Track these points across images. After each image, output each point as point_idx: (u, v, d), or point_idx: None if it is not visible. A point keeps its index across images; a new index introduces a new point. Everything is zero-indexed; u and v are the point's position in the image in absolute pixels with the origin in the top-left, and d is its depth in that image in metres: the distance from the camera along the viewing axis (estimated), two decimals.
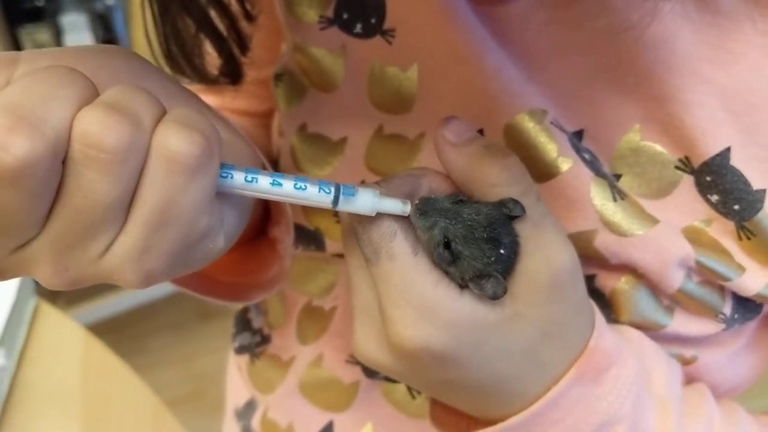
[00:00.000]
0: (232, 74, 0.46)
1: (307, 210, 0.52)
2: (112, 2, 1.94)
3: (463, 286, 0.35)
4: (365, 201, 0.33)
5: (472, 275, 0.34)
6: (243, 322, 0.64)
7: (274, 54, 0.54)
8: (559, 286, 0.35)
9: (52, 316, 0.80)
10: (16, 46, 1.97)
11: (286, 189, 0.32)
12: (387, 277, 0.34)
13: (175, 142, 0.28)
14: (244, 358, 0.63)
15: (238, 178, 0.31)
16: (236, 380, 0.66)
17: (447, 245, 0.34)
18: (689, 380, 0.48)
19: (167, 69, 0.43)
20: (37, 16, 1.92)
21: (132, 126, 0.27)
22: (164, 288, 2.10)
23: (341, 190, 0.33)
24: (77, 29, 1.90)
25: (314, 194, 0.33)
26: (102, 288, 2.02)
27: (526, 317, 0.35)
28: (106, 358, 0.76)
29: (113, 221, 0.29)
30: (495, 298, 0.34)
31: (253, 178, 0.32)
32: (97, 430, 0.70)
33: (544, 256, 0.35)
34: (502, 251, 0.34)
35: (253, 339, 0.62)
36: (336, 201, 0.33)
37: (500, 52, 0.42)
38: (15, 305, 0.75)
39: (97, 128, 0.27)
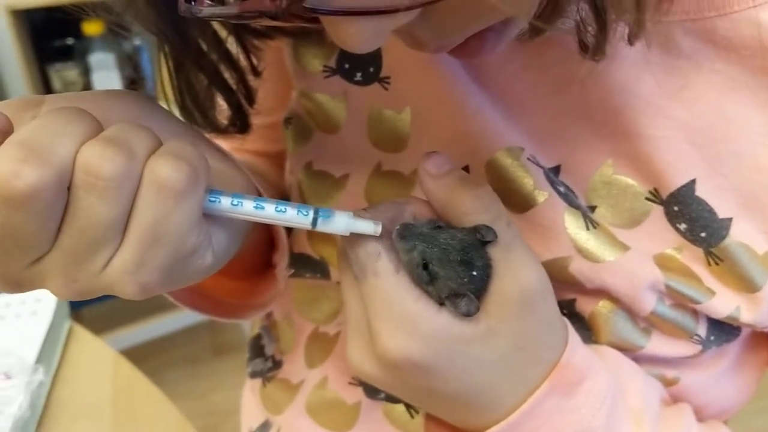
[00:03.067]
0: (240, 124, 0.50)
1: (313, 239, 0.56)
2: (139, 42, 1.99)
3: (440, 303, 0.38)
4: (340, 222, 0.37)
5: (448, 294, 0.37)
6: (256, 349, 0.68)
7: (283, 101, 0.59)
8: (528, 303, 0.38)
9: (84, 338, 0.84)
10: (46, 83, 2.03)
11: (268, 212, 0.36)
12: (372, 293, 0.38)
13: (164, 170, 0.32)
14: (257, 382, 0.66)
15: (225, 202, 0.35)
16: (251, 403, 0.69)
17: (425, 266, 0.37)
18: (675, 401, 0.50)
19: (181, 118, 0.48)
20: (66, 54, 1.98)
21: (126, 157, 0.31)
22: (181, 321, 2.13)
23: (319, 213, 0.37)
24: (105, 68, 1.95)
25: (293, 216, 0.36)
26: (120, 320, 2.05)
27: (499, 332, 0.38)
28: (135, 378, 0.79)
29: (112, 239, 0.32)
30: (468, 315, 0.37)
31: (238, 202, 0.36)
32: None
33: (514, 275, 0.38)
34: (474, 273, 0.37)
35: (265, 365, 0.66)
36: (315, 222, 0.37)
37: (481, 95, 0.46)
38: (51, 327, 0.78)
39: (96, 159, 0.31)
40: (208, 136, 0.44)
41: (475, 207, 0.39)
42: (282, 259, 0.50)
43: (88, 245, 0.32)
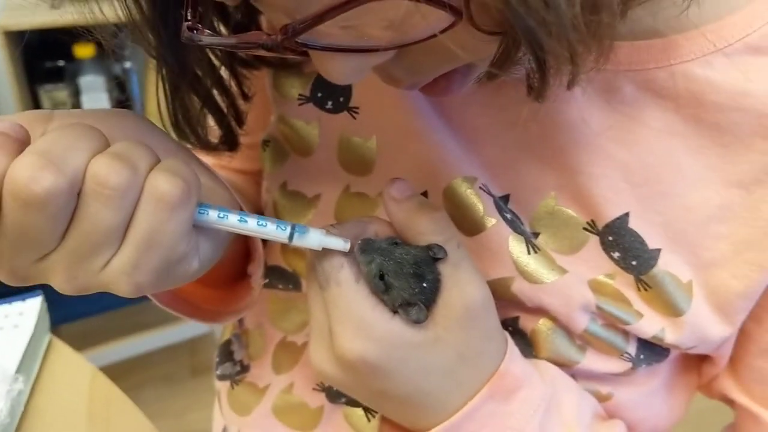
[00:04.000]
0: (229, 143, 0.55)
1: (287, 253, 0.61)
2: (128, 66, 2.03)
3: (394, 311, 0.42)
4: (314, 238, 0.41)
5: (401, 302, 0.41)
6: (226, 353, 0.72)
7: (262, 124, 0.63)
8: (472, 316, 0.42)
9: (63, 352, 0.87)
10: (36, 103, 2.06)
11: (250, 225, 0.40)
12: (334, 299, 0.42)
13: (162, 184, 0.36)
14: (225, 385, 0.71)
15: (213, 214, 0.40)
16: (216, 412, 0.74)
17: (381, 277, 0.41)
18: (610, 417, 0.54)
19: (174, 136, 0.52)
20: (57, 76, 2.01)
21: (130, 170, 0.35)
22: (160, 340, 2.14)
23: (295, 228, 0.41)
24: (94, 90, 1.97)
25: (273, 230, 0.41)
26: (99, 337, 2.06)
27: (445, 340, 0.42)
28: (111, 392, 0.82)
29: (112, 242, 0.36)
30: (418, 322, 0.41)
31: (224, 215, 0.40)
32: None
33: (460, 290, 0.42)
34: (425, 285, 0.41)
35: (234, 369, 0.70)
36: (291, 237, 0.41)
37: (443, 128, 0.51)
38: (32, 339, 0.82)
39: (104, 170, 0.35)
40: (197, 153, 0.49)
41: (430, 228, 0.43)
42: (257, 269, 0.54)
43: (91, 246, 0.36)
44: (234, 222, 0.40)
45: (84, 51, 1.94)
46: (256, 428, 0.65)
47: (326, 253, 0.42)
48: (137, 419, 0.81)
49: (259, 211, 0.64)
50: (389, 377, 0.42)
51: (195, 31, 0.38)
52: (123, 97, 2.08)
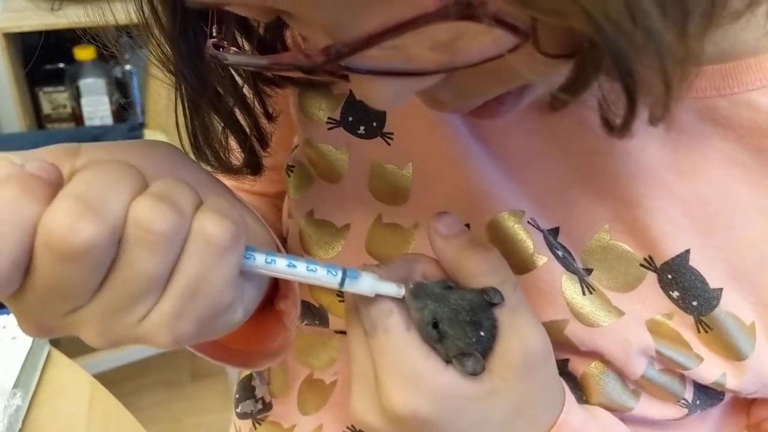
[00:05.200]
0: (253, 167, 0.51)
1: (313, 287, 0.56)
2: (129, 68, 2.02)
3: (447, 361, 0.38)
4: (366, 283, 0.38)
5: (456, 353, 0.38)
6: (247, 389, 0.67)
7: (284, 145, 0.59)
8: (530, 366, 0.39)
9: (62, 363, 0.85)
10: (36, 105, 2.05)
11: (299, 270, 0.37)
12: (382, 348, 0.38)
13: (211, 227, 0.33)
14: (246, 424, 0.66)
15: (260, 259, 0.36)
16: None
17: (435, 325, 0.38)
18: None
19: (192, 157, 0.47)
20: (57, 78, 2.01)
21: (176, 213, 0.32)
22: None
23: (347, 273, 0.37)
24: (95, 92, 1.97)
25: (323, 276, 0.37)
26: None
27: (501, 392, 0.39)
28: (109, 402, 0.81)
29: (154, 291, 0.33)
30: (474, 374, 0.38)
31: (272, 260, 0.36)
32: None
33: (519, 338, 0.39)
34: (482, 333, 0.38)
35: (256, 406, 0.66)
36: (342, 282, 0.37)
37: (485, 156, 0.47)
38: (30, 352, 0.80)
39: (149, 215, 0.31)
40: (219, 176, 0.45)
41: (483, 269, 0.40)
42: (292, 309, 0.50)
43: (131, 297, 0.32)
44: (282, 267, 0.37)
45: (84, 53, 1.93)
46: None
47: (374, 297, 0.39)
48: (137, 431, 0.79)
49: (280, 238, 0.60)
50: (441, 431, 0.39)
51: (221, 49, 0.35)
52: (123, 100, 2.08)
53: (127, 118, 2.09)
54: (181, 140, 0.48)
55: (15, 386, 0.74)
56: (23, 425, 0.74)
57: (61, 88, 2.03)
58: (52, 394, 0.80)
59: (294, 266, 0.37)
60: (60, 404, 0.79)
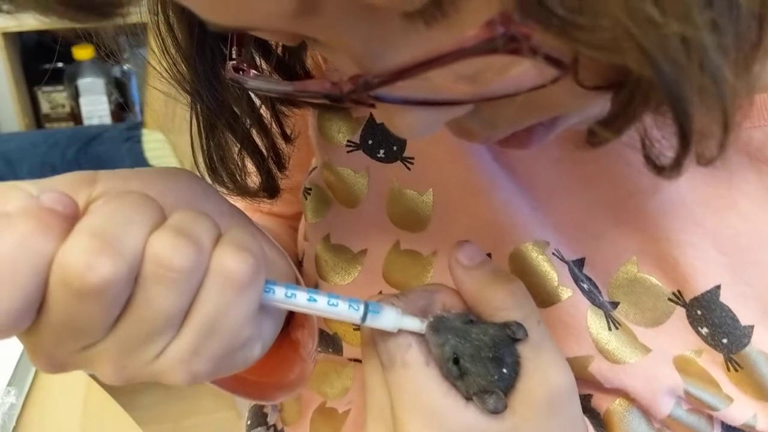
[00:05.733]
0: (269, 189, 0.49)
1: None
2: (127, 68, 2.02)
3: (468, 398, 0.37)
4: (389, 318, 0.36)
5: (477, 390, 0.36)
6: (258, 416, 0.66)
7: (302, 166, 0.57)
8: (554, 404, 0.37)
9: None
10: (34, 104, 2.05)
11: (320, 305, 0.36)
12: (400, 383, 0.37)
13: (230, 262, 0.31)
14: None
15: (279, 293, 0.35)
16: None
17: (456, 361, 0.36)
18: None
19: (209, 180, 0.46)
20: (56, 78, 2.01)
21: (196, 248, 0.31)
22: None
23: (368, 308, 0.36)
24: (93, 92, 1.98)
25: (345, 310, 0.36)
26: None
27: (523, 431, 0.37)
28: (105, 402, 0.80)
29: (171, 328, 0.32)
30: (496, 412, 0.36)
31: (292, 294, 0.35)
32: None
33: (543, 375, 0.37)
34: (504, 370, 0.37)
35: None
36: (364, 317, 0.36)
37: (509, 185, 0.45)
38: (25, 351, 0.80)
39: (168, 251, 0.30)
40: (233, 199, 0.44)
41: (507, 303, 0.38)
42: (310, 339, 0.48)
43: (147, 334, 0.31)
44: (303, 302, 0.35)
45: (83, 53, 1.94)
46: None
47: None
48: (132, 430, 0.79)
49: (295, 261, 0.59)
50: None
51: (241, 72, 0.34)
52: (123, 101, 2.08)
53: (125, 118, 2.09)
54: (195, 158, 0.46)
55: (9, 384, 0.74)
56: (17, 424, 0.73)
57: (60, 87, 2.04)
58: (47, 392, 0.80)
59: (315, 300, 0.36)
60: (55, 403, 0.79)
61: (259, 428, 0.65)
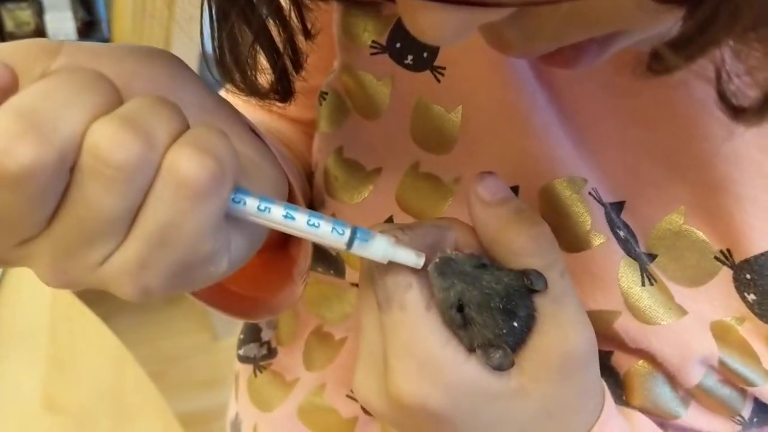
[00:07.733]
0: (282, 91, 0.43)
1: None
2: None
3: (470, 350, 0.33)
4: (379, 248, 0.32)
5: (481, 343, 0.33)
6: (253, 332, 0.62)
7: (323, 67, 0.52)
8: (569, 368, 0.33)
9: (26, 271, 0.85)
10: None
11: (298, 223, 0.31)
12: (396, 327, 0.33)
13: (185, 165, 0.27)
14: (247, 369, 0.62)
15: (251, 205, 0.31)
16: (231, 396, 0.65)
17: (460, 309, 0.33)
18: None
19: (218, 77, 0.41)
20: None
21: (143, 144, 0.26)
22: None
23: (356, 234, 0.32)
24: (59, 8, 1.93)
25: (327, 233, 0.32)
26: None
27: (530, 393, 0.33)
28: (72, 304, 0.81)
29: (113, 234, 0.28)
30: (500, 369, 0.32)
31: (266, 207, 0.31)
32: (62, 370, 0.75)
33: (560, 334, 0.33)
34: (515, 324, 0.33)
35: (260, 351, 0.61)
36: (350, 243, 0.32)
37: (549, 110, 0.41)
38: None
39: (107, 143, 0.26)
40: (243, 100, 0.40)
41: (528, 248, 0.33)
42: (303, 259, 0.43)
43: (85, 237, 0.28)
44: (278, 217, 0.31)
45: None
46: (277, 429, 0.57)
47: (392, 265, 0.33)
48: (100, 333, 0.80)
49: (308, 173, 0.55)
50: (453, 428, 0.34)
51: None
52: (89, 18, 2.03)
53: (92, 36, 2.04)
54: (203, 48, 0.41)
55: None
56: None
57: (24, 4, 1.98)
58: (15, 296, 0.80)
59: (293, 218, 0.31)
60: (23, 306, 0.79)
61: (252, 344, 0.62)
